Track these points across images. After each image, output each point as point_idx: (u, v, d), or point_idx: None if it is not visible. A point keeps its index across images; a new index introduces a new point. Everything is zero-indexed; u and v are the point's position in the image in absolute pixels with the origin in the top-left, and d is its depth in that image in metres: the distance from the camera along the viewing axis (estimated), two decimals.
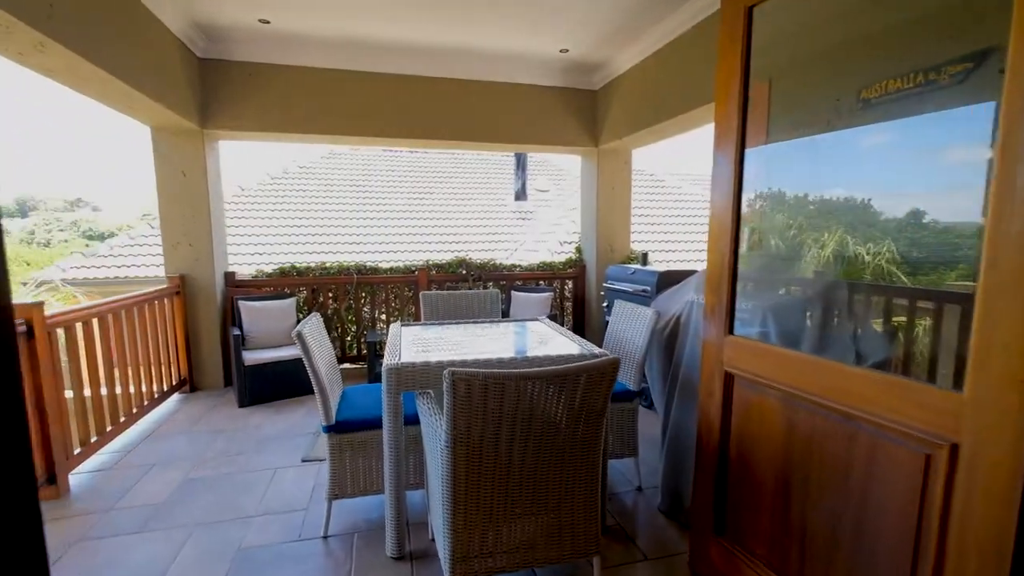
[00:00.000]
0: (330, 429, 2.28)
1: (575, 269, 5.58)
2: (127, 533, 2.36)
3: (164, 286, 4.07)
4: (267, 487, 2.79)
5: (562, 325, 5.56)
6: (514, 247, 10.56)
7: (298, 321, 4.60)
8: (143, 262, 8.64)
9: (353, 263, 5.09)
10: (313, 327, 2.43)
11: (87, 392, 3.04)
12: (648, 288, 3.76)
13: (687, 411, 2.40)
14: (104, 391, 3.21)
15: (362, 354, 5.03)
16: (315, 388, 2.27)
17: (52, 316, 2.68)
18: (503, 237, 10.81)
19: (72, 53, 2.55)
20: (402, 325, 2.96)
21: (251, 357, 4.02)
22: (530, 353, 2.20)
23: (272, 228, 9.84)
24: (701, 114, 3.80)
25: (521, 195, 11.39)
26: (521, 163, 11.23)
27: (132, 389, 3.53)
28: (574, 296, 5.61)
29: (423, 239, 10.38)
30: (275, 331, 4.48)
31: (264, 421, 3.74)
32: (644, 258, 4.32)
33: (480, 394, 1.52)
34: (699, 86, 3.61)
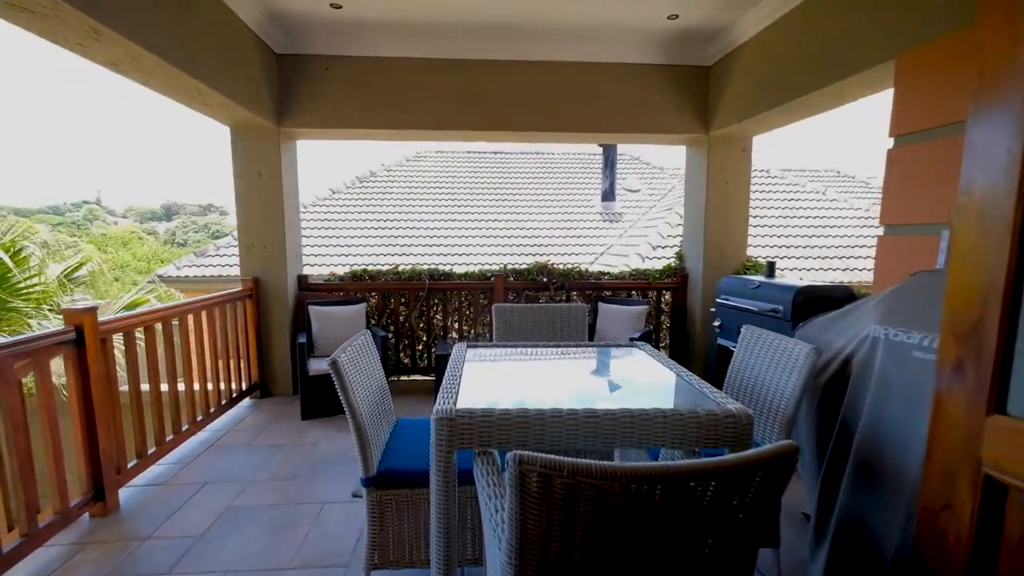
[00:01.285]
0: (369, 483, 1.80)
1: (675, 279, 4.76)
2: (157, 573, 2.08)
3: (238, 289, 3.95)
4: (311, 527, 2.41)
5: (657, 345, 4.77)
6: (599, 251, 9.80)
7: (369, 327, 4.31)
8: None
9: (426, 267, 4.73)
10: (356, 351, 1.98)
11: (146, 400, 2.89)
12: (780, 309, 2.91)
13: (873, 502, 1.61)
14: (166, 399, 3.06)
15: (434, 365, 4.64)
16: (352, 430, 1.81)
17: (106, 322, 2.52)
18: (587, 241, 10.09)
19: (129, 42, 2.36)
20: (468, 346, 2.44)
21: (315, 367, 3.76)
22: (634, 404, 1.55)
23: (355, 231, 10.01)
24: (843, 89, 2.94)
25: (609, 195, 10.59)
26: (609, 160, 10.44)
27: (198, 397, 3.39)
28: (673, 311, 4.79)
29: (503, 244, 9.98)
30: (343, 338, 4.19)
31: (322, 438, 3.44)
32: (770, 268, 3.44)
33: (565, 498, 0.93)
34: (843, 52, 2.75)
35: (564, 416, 1.49)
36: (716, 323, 3.56)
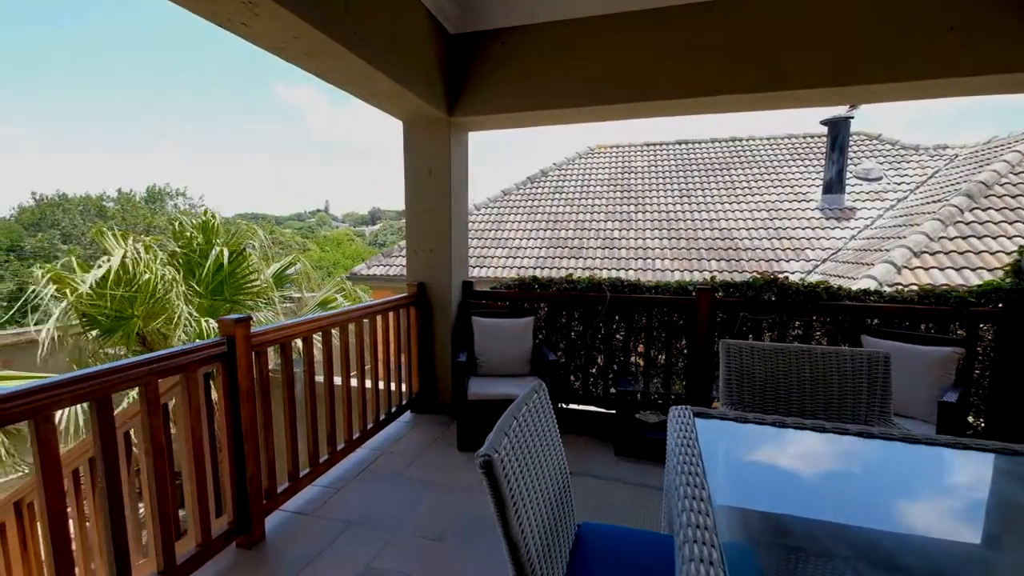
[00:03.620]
0: None
1: (1008, 304, 3.00)
2: None
3: (402, 295, 3.65)
4: None
5: (977, 413, 3.05)
6: (818, 258, 7.71)
7: (535, 346, 3.65)
8: None
9: (605, 276, 3.87)
10: (523, 434, 1.23)
11: (300, 415, 2.63)
12: None
13: None
14: (321, 414, 2.80)
15: (609, 394, 3.76)
16: (511, 569, 1.04)
17: (260, 333, 2.26)
18: (800, 244, 8.04)
19: (289, 13, 2.02)
20: (695, 413, 1.51)
21: (476, 390, 3.21)
22: None
23: (522, 232, 9.66)
24: None
25: (835, 186, 8.30)
26: (838, 142, 8.16)
27: (355, 413, 3.11)
28: (1001, 354, 3.02)
29: (689, 247, 8.55)
30: (508, 356, 3.63)
31: (476, 483, 2.83)
32: None
33: None
34: None
35: None
36: None
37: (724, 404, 1.94)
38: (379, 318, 3.35)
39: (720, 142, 11.01)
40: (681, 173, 10.36)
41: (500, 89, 3.52)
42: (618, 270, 8.30)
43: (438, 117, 3.58)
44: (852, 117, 8.27)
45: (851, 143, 8.63)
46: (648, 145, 11.42)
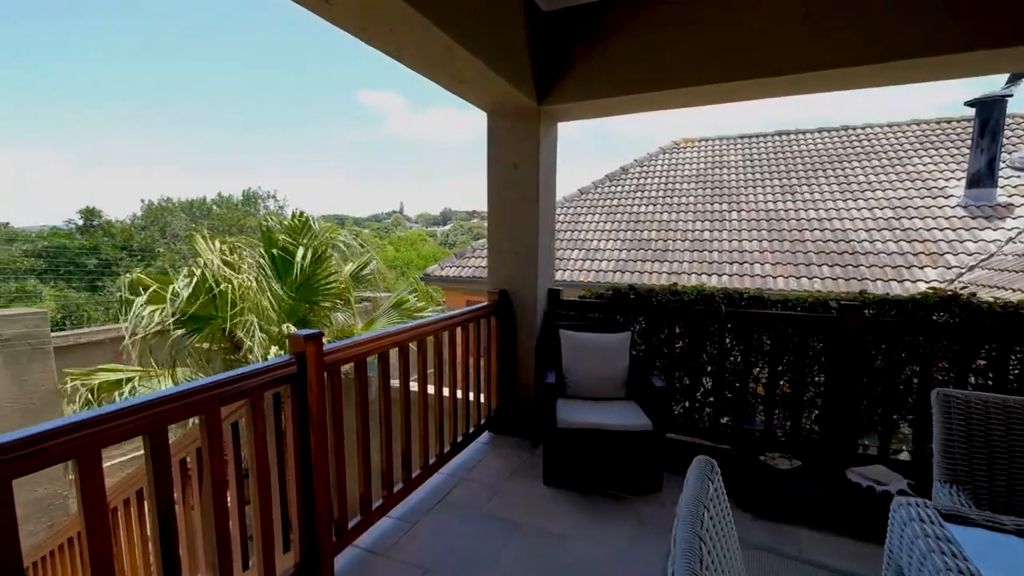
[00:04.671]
0: None
1: None
2: None
3: (481, 304, 3.31)
4: None
5: None
6: (961, 264, 6.47)
7: (633, 366, 3.16)
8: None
9: (717, 287, 3.29)
10: (711, 556, 0.77)
11: (374, 442, 2.35)
12: None
13: None
14: (396, 437, 2.52)
15: (719, 424, 3.18)
16: None
17: (333, 351, 1.99)
18: (935, 247, 6.81)
19: None
20: (943, 516, 0.97)
21: (567, 417, 2.78)
22: None
23: (603, 235, 9.08)
24: None
25: (984, 178, 6.95)
26: (990, 126, 6.82)
27: (431, 435, 2.81)
28: None
29: (793, 251, 7.57)
30: (601, 376, 3.17)
31: (570, 529, 2.42)
32: None
33: None
34: None
35: None
36: None
37: (944, 481, 1.37)
38: (459, 330, 3.03)
39: (829, 132, 9.75)
40: (782, 167, 9.27)
41: (601, 72, 3.07)
42: (709, 275, 7.51)
43: (526, 106, 3.20)
44: (1010, 95, 6.87)
45: (1007, 127, 7.19)
46: (743, 138, 10.38)
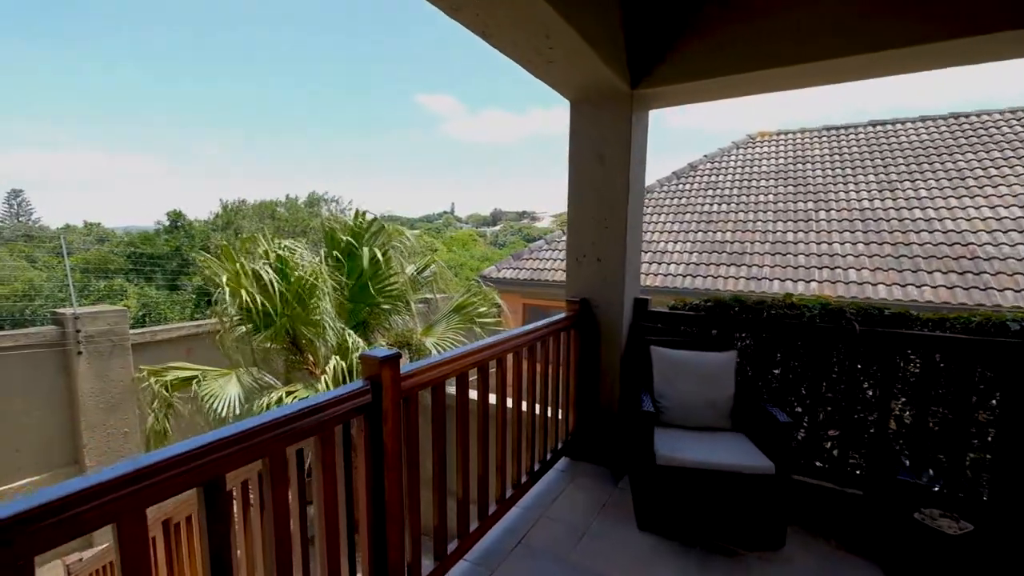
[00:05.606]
0: None
1: None
2: None
3: (560, 316, 2.95)
4: None
5: None
6: None
7: (740, 389, 2.70)
8: (549, 266, 8.90)
9: (847, 300, 2.76)
10: None
11: (451, 473, 2.05)
12: None
13: None
14: (472, 468, 2.21)
15: (847, 463, 2.64)
16: None
17: (411, 374, 1.69)
18: None
19: None
20: None
21: (669, 452, 2.37)
22: None
23: (670, 236, 8.48)
24: None
25: None
26: None
27: (509, 464, 2.48)
28: None
29: (903, 255, 6.70)
30: (699, 402, 2.73)
31: None
32: None
33: None
34: None
35: None
36: None
37: None
38: (539, 344, 2.68)
39: (935, 120, 8.64)
40: (878, 161, 8.29)
41: (704, 51, 2.65)
42: (795, 281, 6.79)
43: (617, 90, 2.81)
44: None
45: None
46: (828, 129, 9.43)
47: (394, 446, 1.63)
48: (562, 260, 8.84)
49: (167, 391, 4.81)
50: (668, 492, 2.39)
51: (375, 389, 1.57)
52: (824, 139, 9.28)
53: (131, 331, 6.06)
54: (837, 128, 9.28)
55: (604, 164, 2.97)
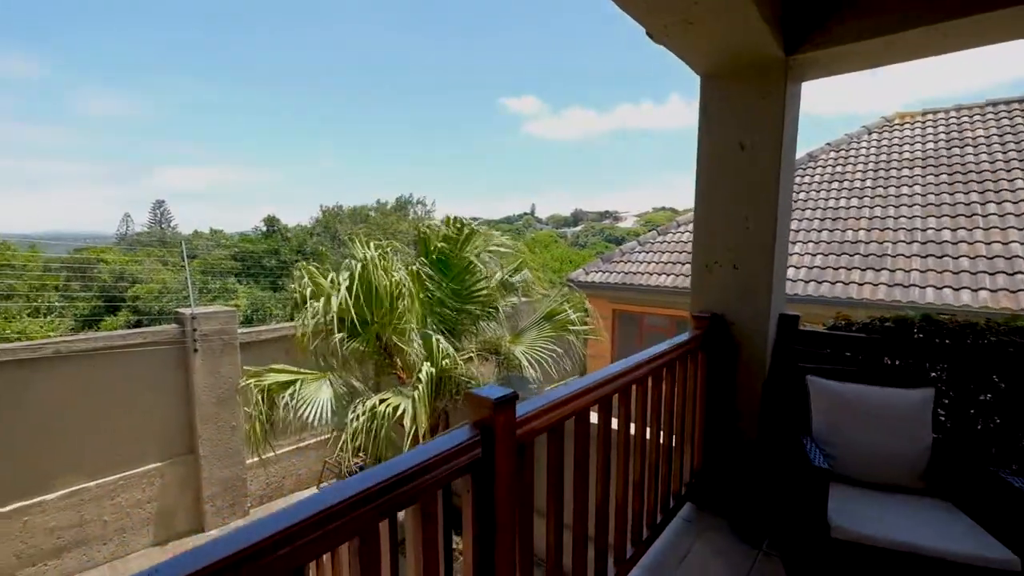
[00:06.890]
0: None
1: None
2: None
3: (685, 337, 2.43)
4: None
5: None
6: None
7: (941, 440, 2.03)
8: (644, 269, 8.24)
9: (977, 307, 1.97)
10: None
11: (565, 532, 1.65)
12: None
13: None
14: (590, 522, 1.80)
15: None
16: None
17: (527, 418, 1.33)
18: None
19: None
20: None
21: (846, 523, 1.79)
22: None
23: (792, 237, 7.43)
24: None
25: None
26: None
27: (630, 516, 2.04)
28: None
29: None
30: (884, 454, 2.10)
31: None
32: None
33: None
34: None
35: None
36: None
37: None
38: (665, 371, 2.20)
39: None
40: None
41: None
42: (956, 288, 5.58)
43: (767, 57, 2.26)
44: None
45: None
46: (993, 105, 7.79)
47: (507, 510, 1.27)
48: (658, 263, 8.14)
49: (262, 398, 4.84)
50: (840, 570, 1.81)
51: (486, 440, 1.22)
52: (987, 117, 7.66)
53: (239, 330, 6.41)
54: (1007, 102, 7.60)
55: (745, 151, 2.42)
